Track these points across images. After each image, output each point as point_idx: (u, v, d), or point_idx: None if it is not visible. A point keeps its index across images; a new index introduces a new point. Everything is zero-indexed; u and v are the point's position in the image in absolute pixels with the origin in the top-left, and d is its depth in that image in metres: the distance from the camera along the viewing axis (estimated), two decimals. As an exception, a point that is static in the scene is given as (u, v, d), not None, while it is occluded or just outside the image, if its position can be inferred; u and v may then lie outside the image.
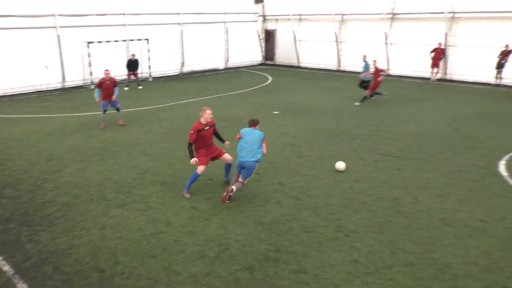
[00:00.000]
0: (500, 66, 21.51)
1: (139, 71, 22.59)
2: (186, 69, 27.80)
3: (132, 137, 13.27)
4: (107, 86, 14.06)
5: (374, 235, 7.21)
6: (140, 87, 22.34)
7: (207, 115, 8.89)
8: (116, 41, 23.49)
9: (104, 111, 14.38)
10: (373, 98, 18.14)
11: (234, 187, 8.46)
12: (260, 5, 31.66)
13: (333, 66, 28.83)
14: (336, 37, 28.07)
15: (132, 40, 24.39)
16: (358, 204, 8.39)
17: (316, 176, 9.92)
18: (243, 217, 7.94)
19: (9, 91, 20.79)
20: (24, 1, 20.57)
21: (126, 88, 21.68)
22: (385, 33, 25.58)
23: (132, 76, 22.18)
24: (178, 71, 27.39)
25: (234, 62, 30.74)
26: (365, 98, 17.73)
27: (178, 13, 26.68)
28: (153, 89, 22.21)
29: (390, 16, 25.38)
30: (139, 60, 22.72)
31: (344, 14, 27.56)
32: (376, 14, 25.91)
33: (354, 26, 27.54)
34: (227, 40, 30.00)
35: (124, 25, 24.23)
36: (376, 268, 6.26)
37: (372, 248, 6.79)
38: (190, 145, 8.69)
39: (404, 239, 7.07)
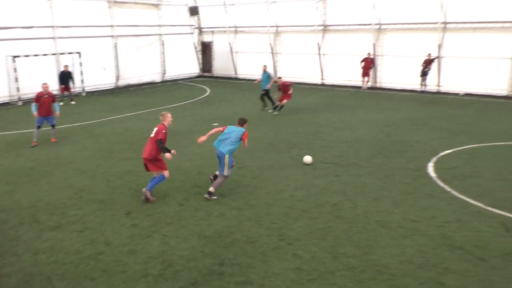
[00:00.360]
0: (424, 74, 22.94)
1: (71, 85, 21.68)
2: (122, 82, 27.08)
3: (66, 155, 12.69)
4: (44, 100, 13.54)
5: (316, 241, 7.38)
6: (73, 103, 21.45)
7: (169, 119, 9.25)
8: (45, 54, 22.44)
9: (38, 127, 13.72)
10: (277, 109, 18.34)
11: (211, 188, 9.26)
12: (195, 17, 31.64)
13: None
14: (272, 49, 28.64)
15: (62, 53, 23.36)
16: (299, 212, 8.56)
17: (258, 186, 10.01)
18: (185, 231, 7.83)
19: None
20: None
21: (61, 103, 20.73)
22: (318, 44, 26.48)
23: (65, 92, 21.29)
24: (113, 85, 26.63)
25: (171, 74, 30.41)
26: (278, 107, 18.11)
27: (112, 25, 26.00)
28: (87, 104, 21.42)
29: (322, 28, 26.31)
30: (72, 73, 21.86)
31: (278, 26, 28.22)
32: (308, 26, 26.75)
33: (288, 38, 28.27)
34: (163, 53, 29.63)
35: (53, 38, 23.20)
36: (319, 274, 6.40)
37: (314, 255, 6.94)
38: (161, 141, 8.81)
39: (345, 243, 7.29)
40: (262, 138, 14.26)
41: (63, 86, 21.15)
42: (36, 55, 21.89)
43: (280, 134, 14.83)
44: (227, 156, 9.18)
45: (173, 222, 8.21)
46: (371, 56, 24.38)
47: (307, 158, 11.57)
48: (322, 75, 27.02)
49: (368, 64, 24.31)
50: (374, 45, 24.46)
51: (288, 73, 28.39)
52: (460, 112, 17.84)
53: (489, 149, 12.39)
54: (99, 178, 10.72)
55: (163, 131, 8.91)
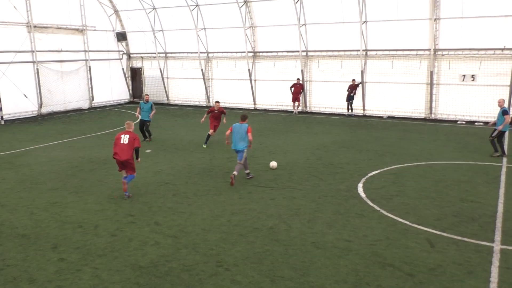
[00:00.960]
0: (349, 98, 24.14)
1: None
2: (45, 110, 25.73)
3: (-17, 188, 11.74)
4: None
5: (254, 265, 7.36)
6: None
7: (133, 127, 11.23)
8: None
9: None
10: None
11: (235, 172, 11.76)
12: (123, 43, 31.07)
13: (203, 103, 29.37)
14: (203, 74, 28.77)
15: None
16: (236, 237, 8.51)
17: (193, 212, 9.85)
18: (118, 263, 7.47)
19: None
20: None
21: None
22: (249, 70, 27.01)
23: None
24: (36, 112, 25.23)
25: (100, 101, 29.45)
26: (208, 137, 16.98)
27: (33, 51, 24.79)
28: (6, 133, 20.08)
29: (252, 54, 26.93)
30: None
31: (209, 52, 28.47)
32: (239, 52, 27.26)
33: (220, 64, 28.58)
34: (90, 79, 28.68)
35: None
36: (258, 299, 6.36)
37: (252, 279, 6.91)
38: (138, 148, 10.96)
39: (282, 266, 7.34)
40: (197, 164, 14.13)
41: None
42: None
43: (215, 159, 14.79)
44: (245, 150, 11.86)
45: (105, 254, 7.81)
46: (300, 82, 25.26)
47: (273, 164, 13.39)
48: (254, 101, 27.50)
49: (298, 89, 25.13)
50: (302, 71, 25.39)
51: (221, 99, 28.60)
52: (385, 134, 18.90)
53: (412, 169, 13.19)
54: (21, 211, 10.00)
55: (138, 139, 10.94)
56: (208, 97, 29.14)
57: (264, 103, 27.32)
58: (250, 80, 27.21)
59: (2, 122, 22.67)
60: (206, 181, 12.23)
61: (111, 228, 9.00)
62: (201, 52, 28.47)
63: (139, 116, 17.66)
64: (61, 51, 26.57)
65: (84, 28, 28.03)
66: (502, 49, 20.27)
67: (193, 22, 27.65)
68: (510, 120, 14.30)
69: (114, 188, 11.64)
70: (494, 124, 14.77)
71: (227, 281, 6.85)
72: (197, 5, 27.08)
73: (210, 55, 28.57)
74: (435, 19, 21.37)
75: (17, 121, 23.48)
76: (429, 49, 21.86)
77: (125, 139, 10.70)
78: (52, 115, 25.65)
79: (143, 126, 17.64)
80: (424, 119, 22.51)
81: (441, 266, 7.24)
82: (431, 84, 22.16)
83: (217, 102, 17.41)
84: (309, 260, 7.51)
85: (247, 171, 12.38)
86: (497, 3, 19.93)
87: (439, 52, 21.86)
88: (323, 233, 8.66)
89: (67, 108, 27.11)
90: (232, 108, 27.56)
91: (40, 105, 25.39)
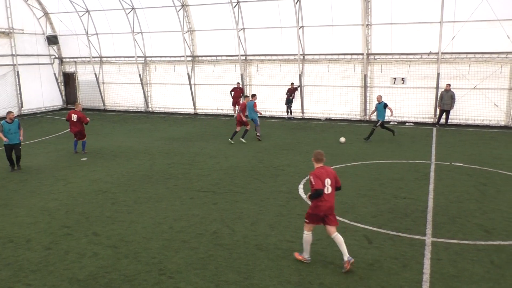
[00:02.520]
0: (288, 101, 24.62)
1: None
2: (-31, 117, 24.01)
3: None
4: None
5: (198, 271, 7.28)
6: None
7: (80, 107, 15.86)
8: None
9: None
10: None
11: (258, 133, 18.51)
12: (54, 46, 29.66)
13: (142, 108, 28.72)
14: (141, 79, 28.13)
15: None
16: (179, 244, 8.39)
17: (134, 221, 9.59)
18: (54, 278, 7.11)
19: None
20: None
21: None
22: (188, 74, 26.77)
23: None
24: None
25: (30, 107, 27.93)
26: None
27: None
28: None
29: (191, 58, 26.73)
30: None
31: (147, 57, 27.90)
32: (178, 57, 26.96)
33: (158, 68, 28.07)
34: (19, 84, 27.12)
35: None
36: (202, 305, 6.30)
37: (196, 286, 6.83)
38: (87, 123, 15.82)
39: (226, 270, 7.32)
40: (136, 171, 13.77)
41: None
42: None
43: (155, 165, 14.49)
44: (257, 118, 18.42)
45: (39, 269, 7.40)
46: (240, 86, 25.39)
47: (342, 139, 16.95)
48: (194, 105, 27.29)
49: (238, 94, 25.23)
50: (242, 75, 25.56)
51: (160, 103, 28.15)
52: (323, 135, 19.45)
53: (349, 169, 13.68)
54: None
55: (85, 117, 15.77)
56: (146, 102, 28.52)
57: (204, 107, 27.18)
58: (190, 84, 26.97)
59: None
60: (146, 188, 11.95)
61: (45, 241, 8.54)
62: (138, 57, 27.83)
63: (7, 139, 13.69)
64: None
65: (11, 31, 26.48)
66: (428, 54, 21.59)
67: (129, 26, 26.98)
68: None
69: (48, 199, 11.07)
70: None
71: (170, 289, 6.73)
72: (133, 8, 26.46)
73: (148, 59, 28.00)
74: (367, 25, 22.35)
75: None
76: (362, 54, 22.81)
77: (74, 117, 15.79)
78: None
79: (12, 152, 13.96)
80: (359, 121, 23.43)
81: (379, 261, 7.56)
82: (365, 87, 23.13)
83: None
84: (253, 263, 7.56)
85: (258, 134, 18.49)
86: (423, 10, 21.22)
87: (372, 57, 22.89)
88: (266, 235, 8.74)
89: (-7, 116, 25.43)
90: (172, 113, 27.19)
91: (-38, 113, 23.64)
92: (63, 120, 24.91)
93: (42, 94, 29.00)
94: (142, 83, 28.20)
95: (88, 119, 16.33)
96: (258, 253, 7.94)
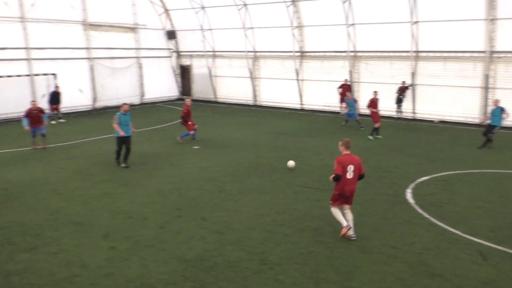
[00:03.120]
0: (399, 101, 23.52)
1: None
2: (99, 104, 26.81)
3: (41, 176, 12.41)
4: (34, 115, 15.81)
5: (298, 266, 7.35)
6: (63, 120, 22.31)
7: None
8: (19, 75, 22.13)
9: (33, 136, 15.91)
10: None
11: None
12: (173, 41, 31.80)
13: (250, 101, 29.58)
14: (251, 73, 28.95)
15: (37, 75, 23.13)
16: (280, 236, 8.53)
17: (239, 210, 9.96)
18: (165, 255, 7.69)
19: None
20: None
21: (53, 122, 21.25)
22: (296, 70, 26.92)
23: (54, 111, 22.13)
24: (91, 106, 26.33)
25: (150, 97, 30.31)
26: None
27: (88, 48, 25.90)
28: (63, 125, 21.09)
29: (299, 54, 26.82)
30: (61, 93, 22.45)
31: (256, 51, 28.59)
32: (286, 52, 27.23)
33: (267, 63, 28.64)
34: (142, 75, 29.60)
35: (27, 59, 22.98)
36: (301, 299, 6.35)
37: (296, 280, 6.90)
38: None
39: (326, 268, 7.28)
40: (243, 162, 14.25)
41: (53, 106, 21.89)
42: (9, 76, 21.58)
43: (261, 158, 14.86)
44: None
45: (153, 245, 8.06)
46: (348, 83, 24.89)
47: (290, 163, 13.34)
48: (301, 100, 27.38)
49: (345, 90, 24.75)
50: (350, 72, 25.01)
51: (268, 98, 28.71)
52: (436, 138, 18.29)
53: (464, 177, 12.69)
54: (76, 200, 10.49)
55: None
56: (255, 96, 29.29)
57: (311, 103, 27.11)
58: (297, 80, 27.11)
59: (61, 115, 23.82)
60: (251, 179, 12.32)
61: (159, 220, 9.26)
62: (248, 51, 28.66)
63: (124, 133, 13.69)
64: (113, 48, 27.58)
65: (136, 26, 28.95)
66: None
67: (240, 21, 27.89)
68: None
69: (163, 182, 11.95)
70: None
71: (270, 280, 6.89)
72: (244, 5, 27.27)
73: (257, 54, 28.71)
74: (491, 20, 20.42)
75: (73, 115, 24.56)
76: (484, 51, 20.92)
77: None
78: (105, 109, 26.66)
79: (123, 145, 13.76)
80: (478, 125, 21.58)
81: (494, 281, 6.94)
82: (486, 88, 21.20)
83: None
84: (354, 265, 7.42)
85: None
86: None
87: (496, 55, 20.87)
88: (368, 238, 8.51)
89: (119, 103, 27.98)
90: (279, 108, 27.55)
91: (94, 100, 26.49)
92: (178, 110, 26.67)
93: (161, 85, 31.31)
94: (251, 77, 29.02)
95: (185, 111, 17.15)
96: (360, 255, 7.76)
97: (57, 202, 10.30)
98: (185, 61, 32.55)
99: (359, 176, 8.46)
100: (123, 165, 13.67)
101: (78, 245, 8.07)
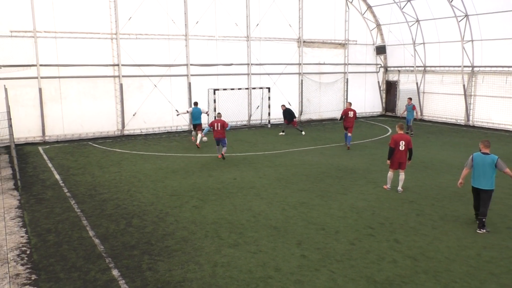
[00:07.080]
0: None
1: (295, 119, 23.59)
2: (304, 117, 28.30)
3: (248, 180, 13.70)
4: (216, 127, 16.76)
5: (506, 312, 6.34)
6: (303, 133, 23.42)
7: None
8: (240, 89, 25.03)
9: (218, 144, 17.13)
10: None
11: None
12: (381, 56, 31.36)
13: (461, 121, 26.98)
14: (465, 90, 26.38)
15: (254, 88, 25.80)
16: (486, 275, 7.49)
17: (437, 237, 9.15)
18: (354, 272, 7.58)
19: (144, 131, 23.16)
20: (160, 52, 23.21)
21: (281, 133, 23.27)
22: (523, 87, 23.36)
23: (289, 124, 23.50)
24: (296, 119, 27.97)
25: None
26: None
27: (299, 63, 27.65)
28: (270, 135, 22.91)
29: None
30: (291, 110, 23.68)
31: (474, 66, 25.91)
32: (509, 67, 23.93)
33: (487, 79, 25.63)
34: (346, 90, 30.06)
35: (247, 74, 25.85)
36: None
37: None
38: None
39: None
40: (447, 186, 13.07)
41: (286, 120, 23.30)
42: (232, 89, 24.61)
43: (470, 182, 13.33)
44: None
45: (343, 260, 8.04)
46: None
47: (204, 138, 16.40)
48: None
49: None
50: None
51: (484, 117, 25.74)
52: None
53: None
54: (275, 206, 11.24)
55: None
56: (468, 115, 26.58)
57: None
58: (523, 98, 23.51)
59: (269, 126, 25.98)
60: (455, 206, 11.19)
61: (351, 236, 9.19)
62: (464, 66, 26.20)
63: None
64: (323, 64, 28.78)
65: (346, 42, 29.58)
66: None
67: (459, 34, 25.71)
68: None
69: (358, 198, 11.85)
70: None
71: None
72: (466, 16, 25.04)
73: (475, 69, 25.99)
74: None
75: (280, 126, 26.45)
76: None
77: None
78: (309, 122, 27.95)
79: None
80: None
81: None
82: None
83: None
84: None
85: None
86: None
87: None
88: None
89: (322, 117, 29.16)
90: (496, 129, 24.39)
91: (300, 113, 28.07)
92: (380, 126, 26.14)
93: (365, 100, 31.24)
94: (465, 94, 26.45)
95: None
96: None
97: (258, 206, 11.22)
98: (392, 77, 31.72)
99: (409, 150, 12.07)
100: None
101: (274, 248, 8.61)
